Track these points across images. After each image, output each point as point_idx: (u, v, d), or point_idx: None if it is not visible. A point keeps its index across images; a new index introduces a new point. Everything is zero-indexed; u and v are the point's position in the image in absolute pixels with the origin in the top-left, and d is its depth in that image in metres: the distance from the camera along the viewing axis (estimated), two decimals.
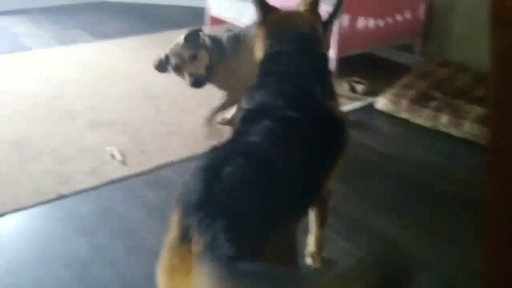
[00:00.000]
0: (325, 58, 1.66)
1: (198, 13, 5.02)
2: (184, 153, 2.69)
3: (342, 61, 3.52)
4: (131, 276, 1.88)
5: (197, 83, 2.59)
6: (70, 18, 4.99)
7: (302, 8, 1.75)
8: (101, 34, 4.62)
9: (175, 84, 3.59)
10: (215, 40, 2.73)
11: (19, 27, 4.74)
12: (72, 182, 2.41)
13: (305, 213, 1.47)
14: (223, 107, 2.84)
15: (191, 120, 3.04)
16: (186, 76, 2.58)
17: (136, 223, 2.18)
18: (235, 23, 4.30)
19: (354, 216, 2.21)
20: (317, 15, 1.74)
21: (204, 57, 2.63)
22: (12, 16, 5.00)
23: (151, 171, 2.55)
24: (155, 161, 2.61)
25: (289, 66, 1.55)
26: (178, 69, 2.60)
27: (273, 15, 1.68)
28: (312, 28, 1.68)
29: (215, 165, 1.15)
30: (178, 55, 2.58)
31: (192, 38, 2.61)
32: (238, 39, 2.75)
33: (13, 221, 2.15)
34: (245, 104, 1.48)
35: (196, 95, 3.30)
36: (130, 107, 3.19)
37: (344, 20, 3.40)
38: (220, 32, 2.82)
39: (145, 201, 2.32)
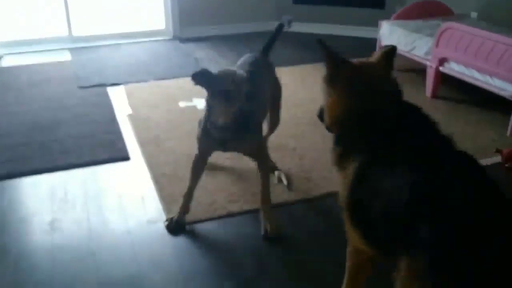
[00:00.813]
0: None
1: (368, 44, 5.00)
2: None
3: None
4: None
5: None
6: (245, 46, 5.34)
7: (376, 59, 1.60)
8: (274, 62, 4.85)
9: None
10: None
11: (201, 53, 5.21)
12: (241, 202, 2.54)
13: None
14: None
15: None
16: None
17: (299, 247, 2.21)
18: (408, 56, 4.19)
19: None
20: (390, 66, 1.60)
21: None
22: (196, 43, 5.52)
23: (315, 198, 2.57)
24: (320, 190, 2.64)
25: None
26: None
27: (348, 69, 1.54)
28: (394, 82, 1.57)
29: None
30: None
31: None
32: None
33: (189, 232, 2.33)
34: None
35: None
36: (298, 133, 3.28)
37: None
38: None
39: (309, 228, 2.35)
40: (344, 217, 1.56)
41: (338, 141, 1.58)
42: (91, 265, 2.10)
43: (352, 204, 1.50)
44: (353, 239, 1.58)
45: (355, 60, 1.59)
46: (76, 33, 5.57)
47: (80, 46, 5.37)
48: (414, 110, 1.52)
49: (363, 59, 1.63)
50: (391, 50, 1.61)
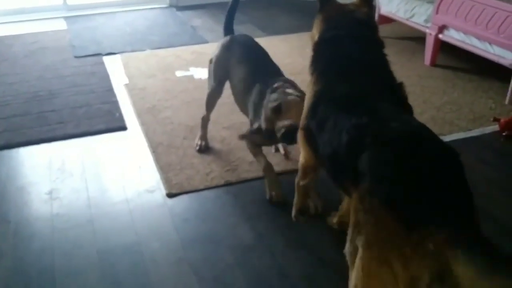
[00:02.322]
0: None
1: None
2: None
3: None
4: (289, 270, 1.93)
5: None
6: (243, 13, 5.25)
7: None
8: (271, 29, 4.81)
9: None
10: None
11: (198, 21, 5.14)
12: (238, 171, 2.55)
13: None
14: None
15: None
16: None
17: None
18: (407, 23, 4.14)
19: None
20: (370, 6, 1.87)
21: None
22: (192, 11, 5.44)
23: None
24: None
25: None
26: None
27: (330, 5, 1.86)
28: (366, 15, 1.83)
29: None
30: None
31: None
32: None
33: (187, 201, 2.35)
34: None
35: None
36: None
37: None
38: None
39: None
40: (299, 134, 1.84)
41: (312, 62, 1.84)
42: (90, 233, 2.12)
43: (306, 127, 1.77)
44: (306, 152, 1.86)
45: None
46: (71, 1, 5.48)
47: (75, 15, 5.29)
48: (375, 44, 1.76)
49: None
50: None
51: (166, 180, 2.46)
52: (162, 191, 2.40)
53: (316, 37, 1.85)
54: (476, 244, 1.13)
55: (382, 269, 1.23)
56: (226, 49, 2.59)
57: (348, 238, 1.39)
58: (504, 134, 2.85)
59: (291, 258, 1.98)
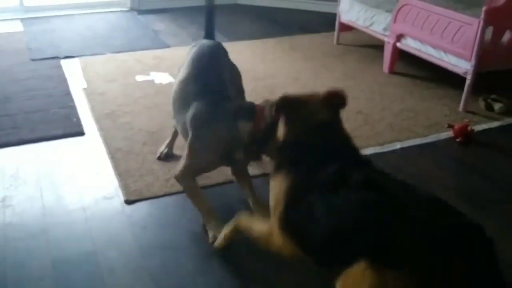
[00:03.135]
0: None
1: (328, 19, 5.01)
2: None
3: (481, 76, 3.29)
4: (252, 277, 1.93)
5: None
6: None
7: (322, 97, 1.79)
8: (233, 35, 4.80)
9: (303, 87, 3.62)
10: None
11: (160, 25, 5.09)
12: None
13: None
14: None
15: None
16: None
17: None
18: (366, 31, 4.22)
19: None
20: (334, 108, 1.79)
21: None
22: (155, 15, 5.38)
23: None
24: None
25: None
26: None
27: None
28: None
29: None
30: None
31: None
32: None
33: (146, 208, 2.31)
34: None
35: None
36: None
37: (487, 33, 3.17)
38: None
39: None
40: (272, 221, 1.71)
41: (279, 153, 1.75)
42: (44, 243, 2.06)
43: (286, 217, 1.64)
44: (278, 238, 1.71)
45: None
46: (28, 2, 5.33)
47: (33, 17, 5.15)
48: (345, 146, 1.69)
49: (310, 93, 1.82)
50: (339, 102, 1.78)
51: (125, 187, 2.41)
52: (120, 197, 2.35)
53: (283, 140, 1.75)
54: None
55: None
56: (187, 54, 2.51)
57: None
58: (457, 140, 2.94)
59: (254, 265, 1.97)
